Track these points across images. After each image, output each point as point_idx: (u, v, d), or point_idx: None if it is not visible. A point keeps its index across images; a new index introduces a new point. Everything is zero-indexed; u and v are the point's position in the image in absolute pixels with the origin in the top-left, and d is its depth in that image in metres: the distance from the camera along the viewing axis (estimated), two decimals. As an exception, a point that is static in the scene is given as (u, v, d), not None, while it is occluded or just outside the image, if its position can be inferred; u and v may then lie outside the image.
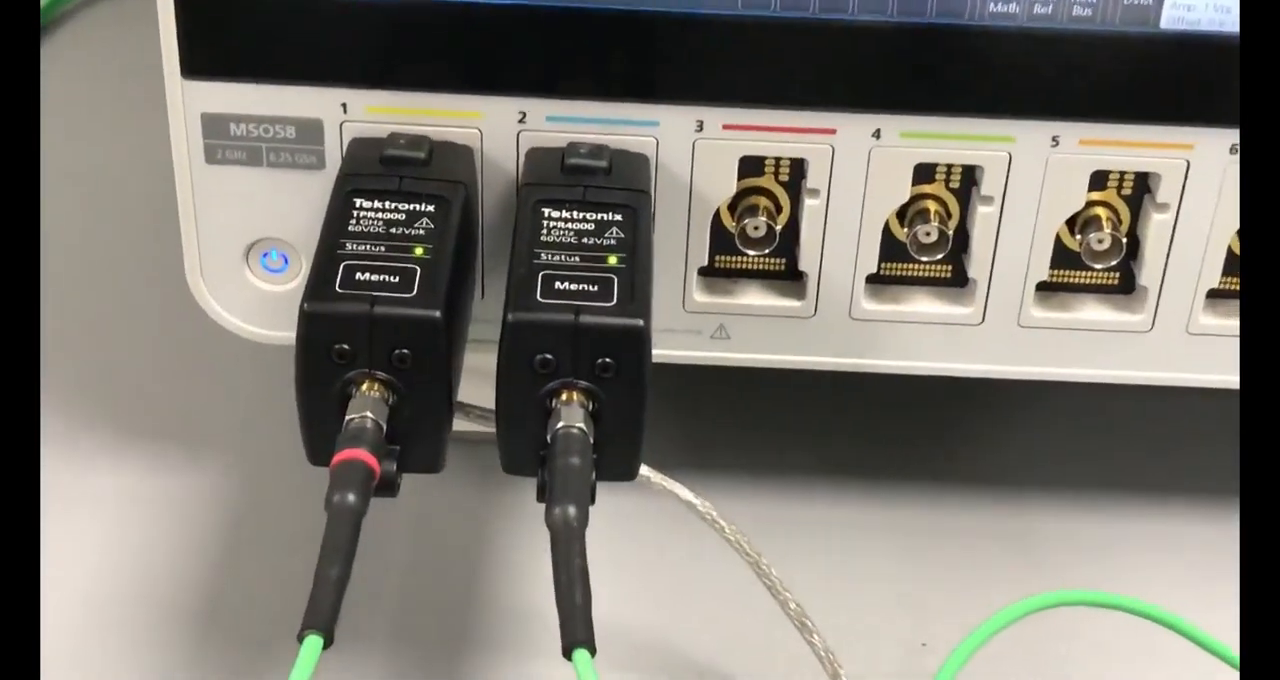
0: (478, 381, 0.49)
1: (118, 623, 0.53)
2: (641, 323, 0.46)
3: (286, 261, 0.54)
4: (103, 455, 0.59)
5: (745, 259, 0.53)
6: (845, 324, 0.53)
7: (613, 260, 0.48)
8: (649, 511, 0.54)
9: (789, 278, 0.54)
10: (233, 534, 0.57)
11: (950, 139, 0.51)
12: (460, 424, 0.49)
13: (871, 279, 0.53)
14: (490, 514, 0.58)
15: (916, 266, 0.54)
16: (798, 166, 0.52)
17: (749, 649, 0.52)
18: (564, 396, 0.47)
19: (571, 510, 0.44)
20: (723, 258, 0.54)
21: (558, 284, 0.47)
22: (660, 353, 0.48)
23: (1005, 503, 0.59)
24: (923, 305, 0.54)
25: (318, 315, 0.47)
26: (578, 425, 0.47)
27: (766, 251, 0.52)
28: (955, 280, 0.54)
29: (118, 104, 0.74)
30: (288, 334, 0.46)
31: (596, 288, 0.47)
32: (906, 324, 0.54)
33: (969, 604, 0.52)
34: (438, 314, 0.48)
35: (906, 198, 0.52)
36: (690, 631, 0.53)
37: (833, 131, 0.50)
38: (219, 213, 0.53)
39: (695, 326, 0.54)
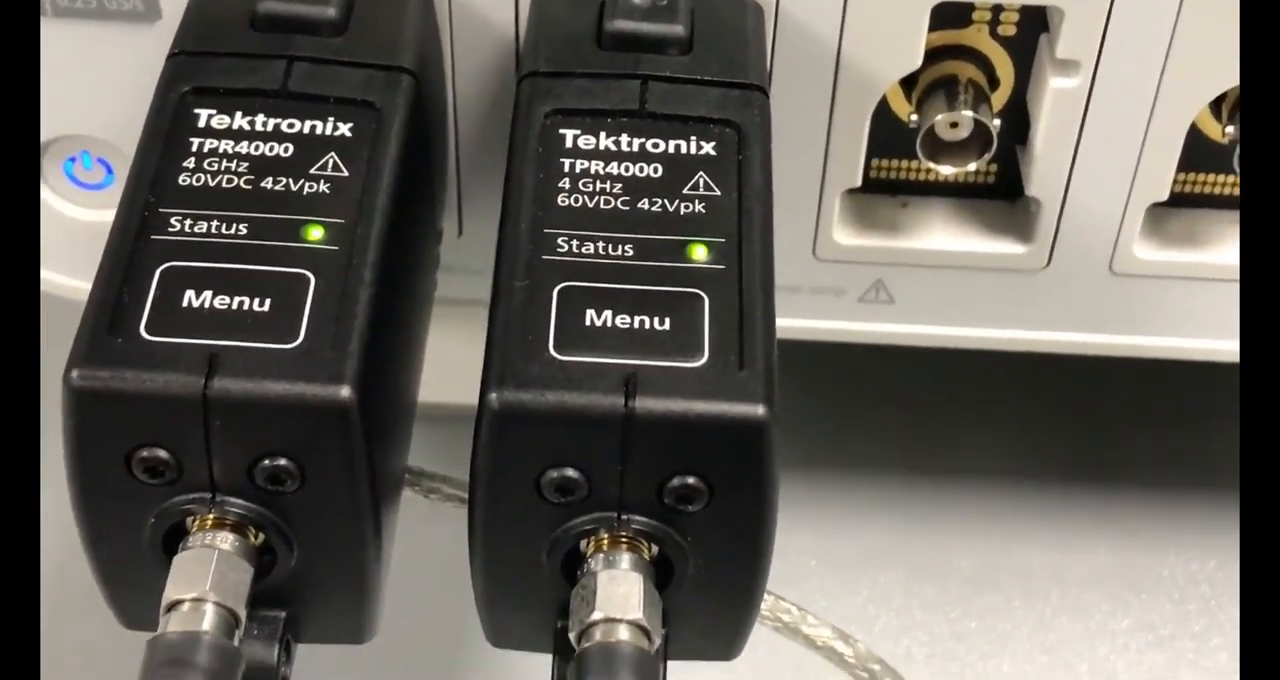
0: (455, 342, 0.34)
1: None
2: (762, 410, 0.26)
3: (110, 171, 0.38)
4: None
5: (930, 173, 0.38)
6: (1103, 282, 0.39)
7: (699, 253, 0.28)
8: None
9: (1002, 200, 0.39)
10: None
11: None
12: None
13: (1156, 207, 0.38)
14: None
15: (1230, 184, 0.38)
16: (1035, 19, 0.36)
17: None
18: (602, 543, 0.27)
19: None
20: (885, 166, 0.38)
21: (589, 315, 0.27)
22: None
23: None
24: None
25: (96, 395, 0.26)
26: (630, 618, 0.26)
27: (971, 165, 0.36)
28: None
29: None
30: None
31: (667, 324, 0.27)
32: (1214, 282, 0.39)
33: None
34: (345, 392, 0.26)
35: (1241, 74, 0.35)
36: None
37: (1115, -41, 0.34)
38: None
39: (836, 283, 0.39)
